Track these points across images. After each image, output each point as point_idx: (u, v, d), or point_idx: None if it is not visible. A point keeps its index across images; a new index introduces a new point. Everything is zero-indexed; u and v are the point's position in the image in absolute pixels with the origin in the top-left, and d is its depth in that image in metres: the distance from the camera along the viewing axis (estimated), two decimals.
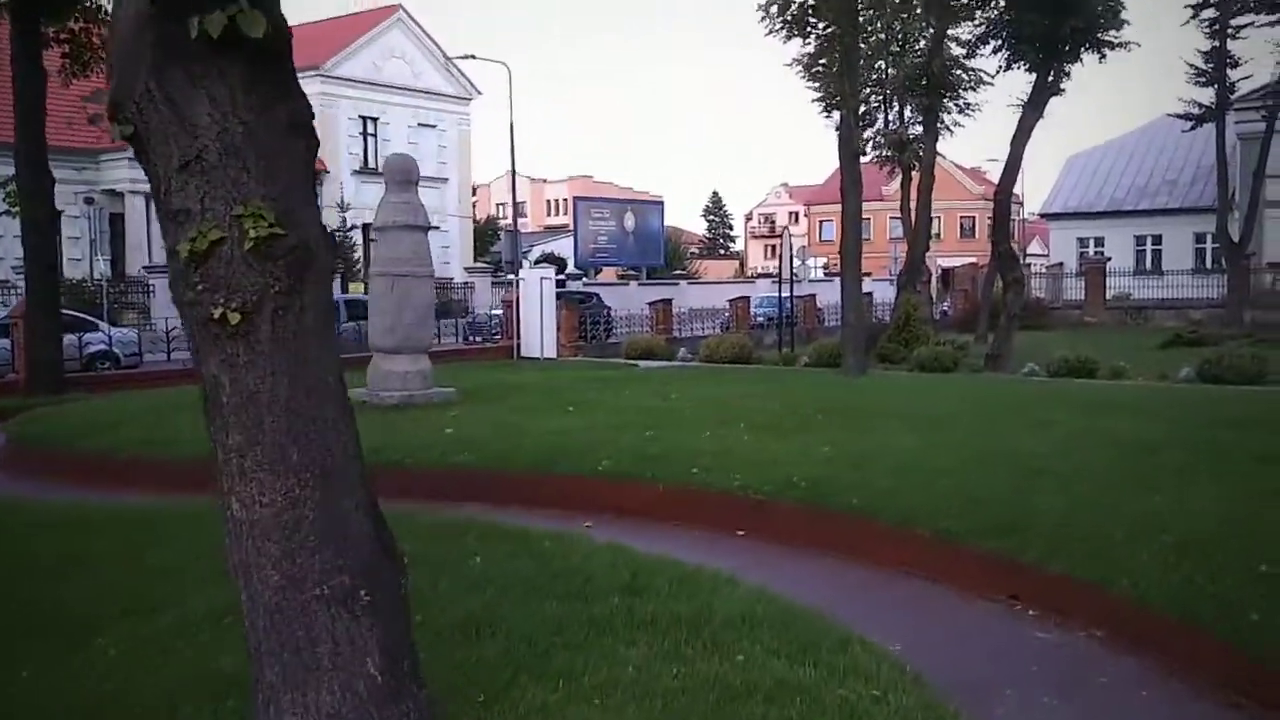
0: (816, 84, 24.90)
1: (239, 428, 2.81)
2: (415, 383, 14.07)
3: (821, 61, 23.06)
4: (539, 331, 26.21)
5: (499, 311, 34.93)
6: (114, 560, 6.75)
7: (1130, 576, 6.00)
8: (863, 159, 40.41)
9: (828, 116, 25.75)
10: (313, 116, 2.98)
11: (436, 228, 14.17)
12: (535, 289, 26.31)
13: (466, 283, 44.76)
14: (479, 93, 49.11)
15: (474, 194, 56.26)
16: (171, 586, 6.03)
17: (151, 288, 32.91)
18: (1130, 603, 5.83)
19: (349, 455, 2.98)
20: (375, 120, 45.48)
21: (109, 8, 19.54)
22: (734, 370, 22.14)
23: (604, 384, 17.17)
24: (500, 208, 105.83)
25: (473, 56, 42.02)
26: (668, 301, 33.38)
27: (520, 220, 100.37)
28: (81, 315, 24.66)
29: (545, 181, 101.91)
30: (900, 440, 10.25)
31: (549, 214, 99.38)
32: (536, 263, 49.97)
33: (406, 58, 46.40)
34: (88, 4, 18.33)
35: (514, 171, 40.06)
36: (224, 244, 2.62)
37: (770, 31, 26.30)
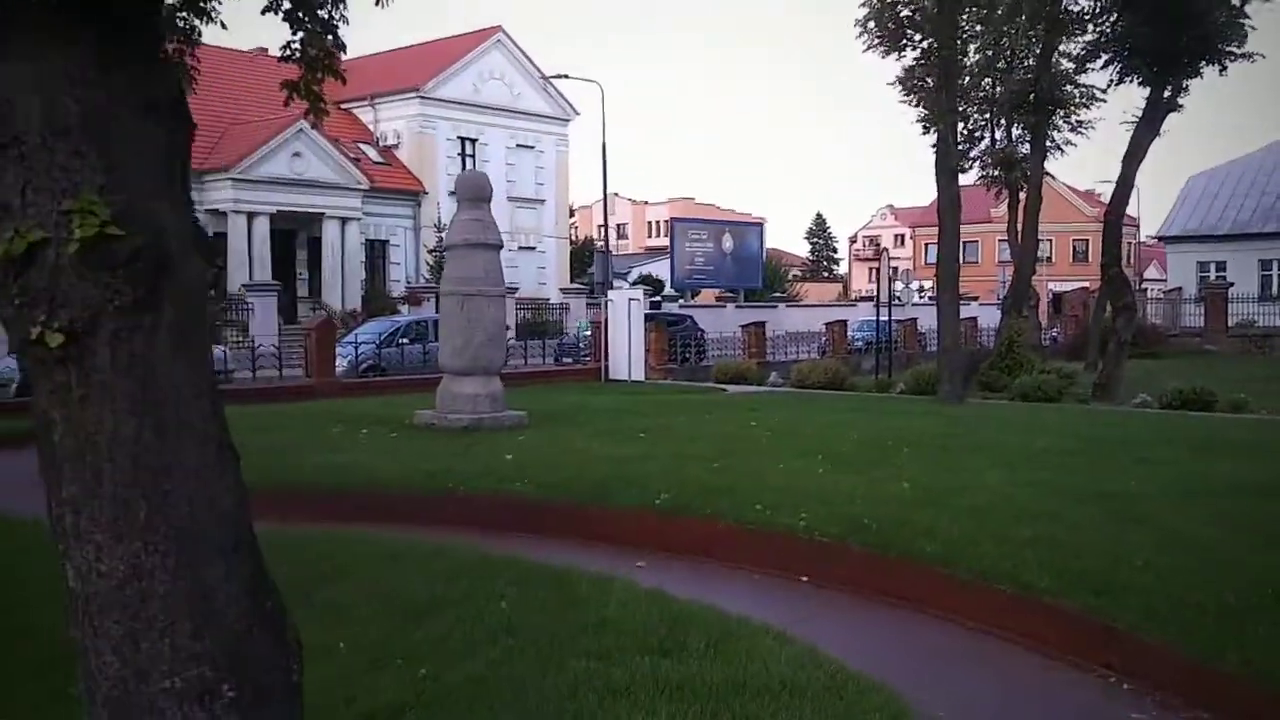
0: (916, 101, 24.02)
1: (74, 478, 2.23)
2: (484, 405, 13.65)
3: (920, 77, 22.13)
4: (626, 353, 25.72)
5: (589, 333, 34.60)
6: None
7: (1243, 651, 5.15)
8: (969, 180, 39.36)
9: (926, 132, 24.76)
10: (180, 97, 2.42)
11: (502, 246, 13.71)
12: (623, 310, 25.83)
13: (562, 303, 44.52)
14: (577, 113, 49.06)
15: (573, 215, 56.26)
16: None
17: (250, 306, 33.36)
18: (1243, 682, 4.99)
19: (218, 512, 2.38)
20: (474, 141, 45.70)
21: (201, 26, 19.65)
22: (824, 396, 21.31)
23: (684, 409, 16.56)
24: (600, 230, 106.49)
25: (566, 76, 41.91)
26: (760, 324, 32.62)
27: (620, 242, 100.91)
28: None
29: (646, 204, 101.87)
30: (988, 478, 9.42)
31: (650, 235, 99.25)
32: (634, 284, 49.75)
33: (506, 79, 46.57)
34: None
35: (605, 191, 39.65)
36: (47, 247, 2.09)
37: (869, 47, 25.55)
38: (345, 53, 5.95)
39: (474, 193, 13.85)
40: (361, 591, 6.22)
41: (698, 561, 8.09)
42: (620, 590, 6.42)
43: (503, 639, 5.39)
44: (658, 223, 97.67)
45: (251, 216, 36.94)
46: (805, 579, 7.55)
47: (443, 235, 41.73)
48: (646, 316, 30.85)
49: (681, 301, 46.63)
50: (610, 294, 27.66)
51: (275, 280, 35.57)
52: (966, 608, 6.61)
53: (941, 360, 18.66)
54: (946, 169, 18.26)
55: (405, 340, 26.35)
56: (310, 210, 38.71)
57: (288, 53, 5.47)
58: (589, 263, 52.99)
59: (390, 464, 10.30)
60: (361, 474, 9.91)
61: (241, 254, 36.94)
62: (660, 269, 60.21)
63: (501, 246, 14.20)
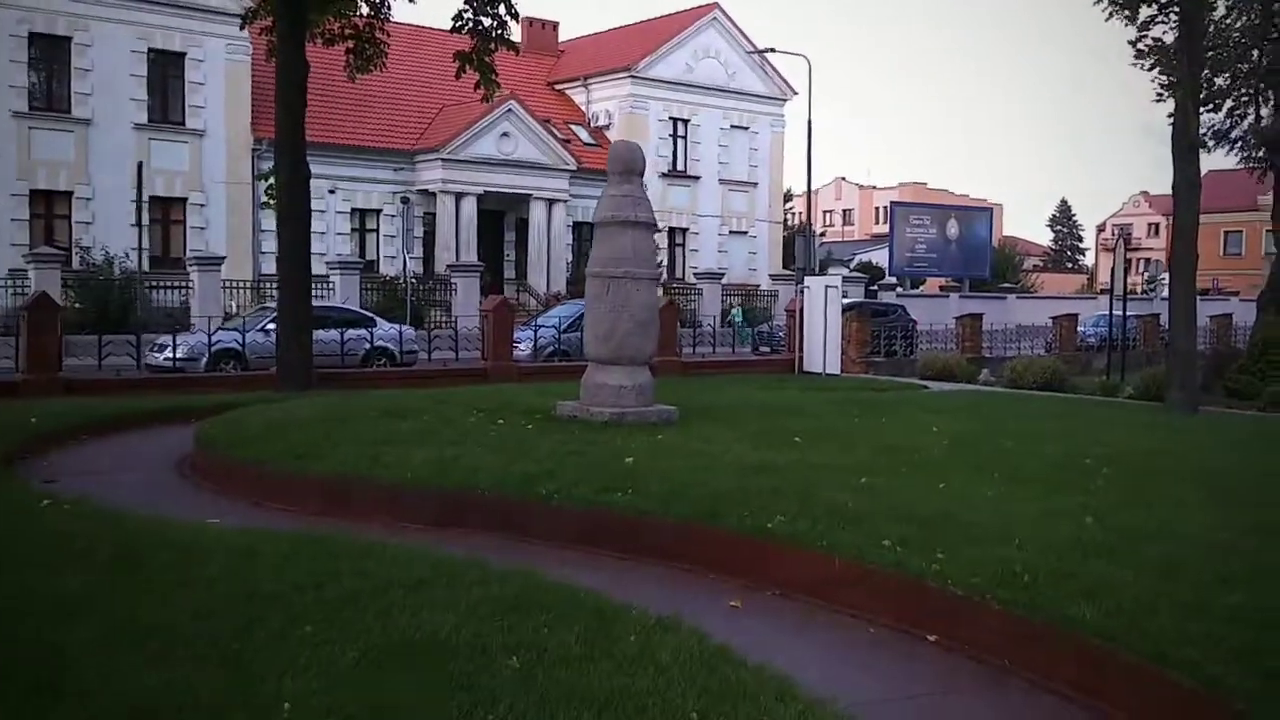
0: (1152, 65, 21.15)
1: None
2: (629, 398, 12.48)
3: (1158, 38, 19.44)
4: (822, 345, 24.08)
5: (742, 321, 33.10)
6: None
7: None
8: (1232, 163, 35.27)
9: (1160, 99, 21.86)
10: None
11: (655, 225, 12.50)
12: (819, 299, 24.18)
13: (771, 290, 42.98)
14: (795, 93, 47.27)
15: (790, 200, 54.43)
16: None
17: (454, 286, 33.51)
18: None
19: None
20: (686, 122, 44.68)
21: (392, 3, 19.51)
22: (1036, 399, 19.13)
23: (866, 409, 14.93)
24: (827, 215, 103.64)
25: (773, 50, 40.17)
26: (977, 317, 30.18)
27: (846, 229, 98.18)
28: (363, 312, 25.02)
29: (875, 188, 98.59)
30: (1194, 518, 7.52)
31: (876, 222, 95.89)
32: (853, 271, 47.61)
33: (721, 58, 45.30)
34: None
35: (810, 170, 37.83)
36: None
37: (1110, 14, 22.80)
38: (517, 22, 5.02)
39: (624, 165, 12.67)
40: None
41: (806, 607, 6.67)
42: (677, 643, 5.11)
43: (495, 706, 4.19)
44: (885, 208, 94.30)
45: (459, 197, 37.17)
46: (933, 639, 6.01)
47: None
48: (850, 306, 29.12)
49: (899, 290, 44.21)
50: (807, 280, 26.01)
51: (480, 261, 35.63)
52: (1129, 699, 4.95)
53: (1172, 362, 16.23)
54: (1184, 142, 15.78)
55: None
56: (518, 191, 38.65)
57: (460, 23, 4.73)
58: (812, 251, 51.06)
59: (496, 462, 9.26)
60: (459, 474, 8.91)
61: (449, 235, 37.24)
62: (883, 256, 57.62)
63: (655, 226, 12.98)
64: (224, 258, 30.65)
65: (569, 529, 8.02)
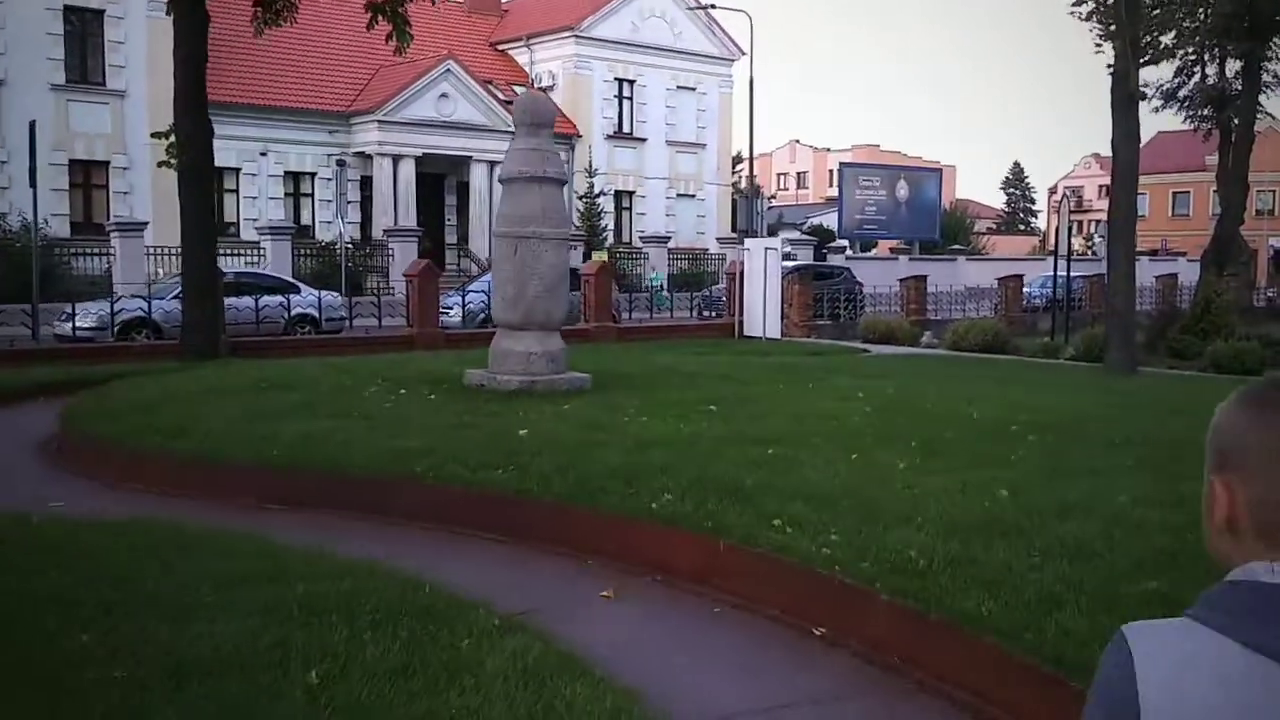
0: (1087, 16, 20.55)
1: None
2: (539, 366, 11.77)
3: None
4: (762, 308, 23.45)
5: (660, 285, 32.49)
6: None
7: None
8: (1179, 123, 34.92)
9: (1099, 49, 21.27)
10: None
11: (565, 181, 11.75)
12: (759, 261, 23.53)
13: (720, 254, 42.30)
14: (743, 53, 46.24)
15: (740, 163, 53.41)
16: None
17: (392, 252, 32.54)
18: None
19: None
20: (632, 83, 43.71)
21: None
22: (975, 361, 18.66)
23: (795, 375, 14.32)
24: (781, 178, 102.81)
25: (714, 5, 39.32)
26: (921, 279, 29.65)
27: (800, 191, 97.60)
28: (285, 278, 24.11)
29: (829, 151, 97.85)
30: (1120, 489, 6.94)
31: (830, 185, 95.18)
32: (805, 234, 46.97)
33: (667, 17, 44.29)
34: None
35: (751, 129, 37.13)
36: None
37: None
38: None
39: (532, 117, 11.87)
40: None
41: (687, 594, 6.02)
42: (511, 653, 4.43)
43: None
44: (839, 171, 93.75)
45: (397, 160, 36.07)
46: (820, 632, 5.38)
47: (593, 181, 40.35)
48: (794, 269, 28.50)
49: (848, 253, 43.71)
50: (747, 243, 25.35)
51: (419, 226, 34.65)
52: (1032, 705, 4.33)
53: (1111, 323, 15.74)
54: (1123, 93, 15.19)
55: None
56: (458, 154, 37.57)
57: None
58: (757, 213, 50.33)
59: (374, 437, 8.53)
60: (331, 450, 8.17)
61: (387, 199, 36.16)
62: (836, 220, 56.95)
63: (565, 182, 12.25)
64: (146, 223, 29.49)
65: (442, 510, 7.31)
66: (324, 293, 22.82)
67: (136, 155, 31.96)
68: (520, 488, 7.14)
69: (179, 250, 31.72)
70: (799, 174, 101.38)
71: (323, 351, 18.33)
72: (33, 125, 18.97)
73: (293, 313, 21.59)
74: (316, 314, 22.01)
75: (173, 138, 16.25)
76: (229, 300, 19.30)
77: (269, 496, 7.86)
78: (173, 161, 16.32)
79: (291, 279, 23.99)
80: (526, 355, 11.77)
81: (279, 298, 20.55)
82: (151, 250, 29.18)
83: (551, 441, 8.39)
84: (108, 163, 32.44)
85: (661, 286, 33.64)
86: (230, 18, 32.28)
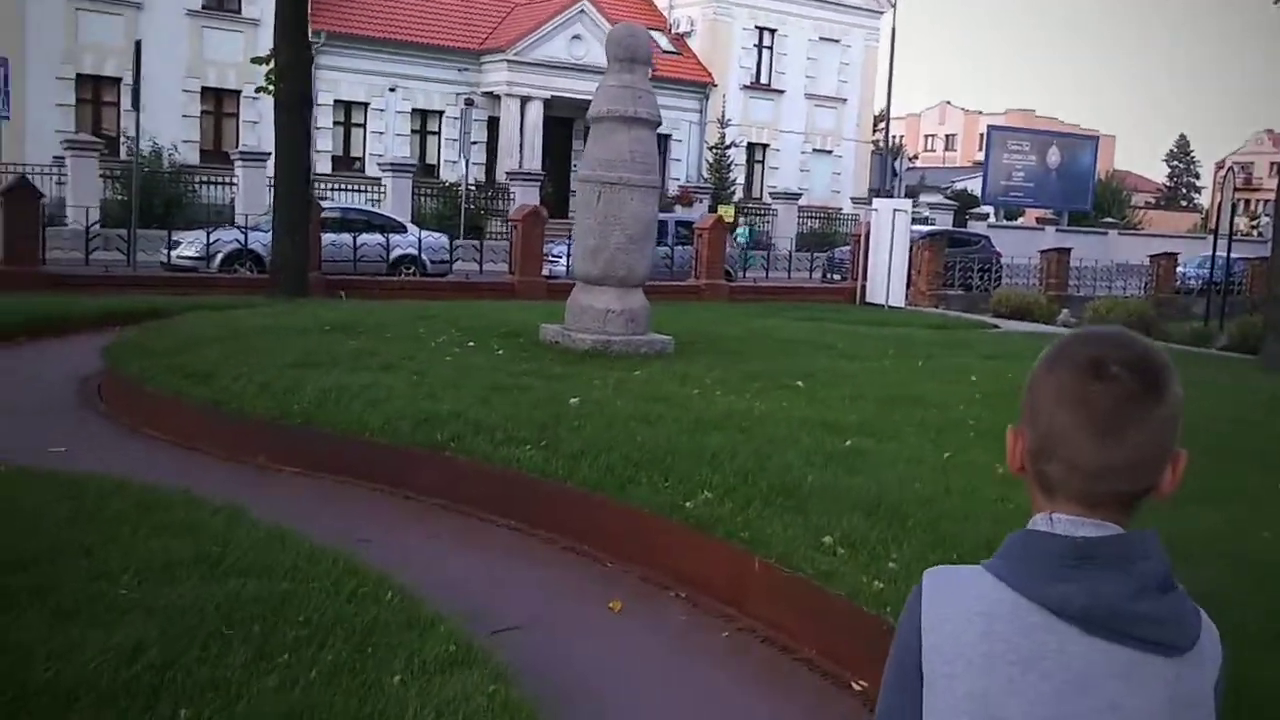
0: None
1: None
2: (616, 325, 10.81)
3: None
4: (886, 274, 22.03)
5: (746, 242, 30.93)
6: None
7: None
8: None
9: None
10: None
11: (658, 123, 10.68)
12: (887, 224, 22.08)
13: (853, 215, 40.61)
14: (892, 5, 44.10)
15: (880, 122, 51.14)
16: None
17: (513, 195, 31.93)
18: None
19: None
20: (773, 32, 42.02)
21: None
22: None
23: (906, 349, 13.07)
24: (929, 140, 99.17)
25: None
26: (1064, 251, 27.65)
27: (948, 154, 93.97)
28: (391, 217, 23.65)
29: (980, 114, 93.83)
30: (1264, 515, 5.65)
31: (979, 149, 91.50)
32: (948, 198, 44.78)
33: None
34: None
35: (890, 82, 35.14)
36: None
37: None
38: None
39: (626, 51, 10.81)
40: None
41: (711, 616, 5.04)
42: (447, 699, 3.53)
43: None
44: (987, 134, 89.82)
45: (525, 101, 35.34)
46: (861, 687, 4.32)
47: (724, 131, 38.99)
48: (928, 234, 26.86)
49: (990, 220, 41.47)
50: (875, 203, 23.86)
51: (543, 171, 33.93)
52: None
53: (1272, 311, 13.98)
54: None
55: None
56: (587, 98, 36.38)
57: None
58: (896, 174, 48.17)
59: (408, 396, 7.71)
60: (357, 409, 7.36)
61: (513, 141, 35.52)
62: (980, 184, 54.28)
63: (658, 124, 11.15)
64: (269, 154, 29.38)
65: (459, 488, 6.46)
66: (427, 234, 22.24)
67: None
68: (545, 469, 6.21)
69: None
70: (947, 136, 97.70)
71: (419, 295, 17.72)
72: (138, 45, 18.81)
73: (394, 253, 21.07)
74: (421, 255, 21.46)
75: (271, 64, 15.69)
76: (328, 236, 18.88)
77: (281, 457, 7.13)
78: (270, 89, 15.79)
79: (397, 218, 23.48)
80: (604, 313, 10.82)
81: (379, 236, 20.02)
82: (270, 181, 29.12)
83: (600, 413, 7.44)
84: (239, 91, 32.52)
85: (752, 244, 31.96)
86: None
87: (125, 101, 30.94)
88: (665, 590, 5.30)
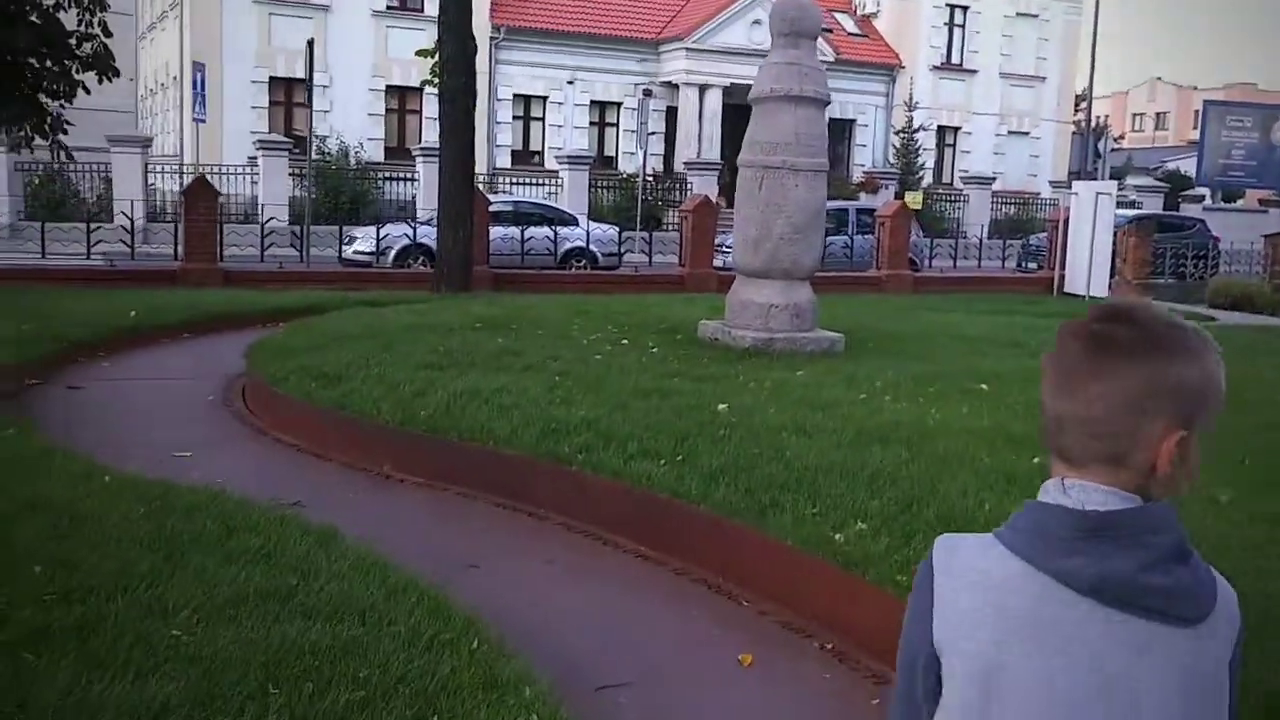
0: None
1: None
2: (781, 321, 9.98)
3: None
4: (1088, 262, 20.33)
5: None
6: None
7: None
8: None
9: None
10: None
11: (827, 101, 9.79)
12: (1088, 209, 20.37)
13: (1052, 200, 38.28)
14: None
15: (1081, 100, 48.12)
16: None
17: (690, 185, 31.29)
18: None
19: None
20: (965, 9, 39.97)
21: None
22: None
23: None
24: (1137, 119, 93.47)
25: None
26: None
27: (1159, 133, 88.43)
28: (561, 209, 23.34)
29: (1195, 90, 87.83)
30: None
31: (1194, 127, 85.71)
32: (1158, 179, 41.84)
33: None
34: None
35: (1093, 56, 32.76)
36: None
37: None
38: None
39: (789, 26, 9.96)
40: None
41: (855, 675, 4.20)
42: None
43: None
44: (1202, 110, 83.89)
45: (703, 89, 34.61)
46: None
47: (912, 115, 37.29)
48: (1135, 218, 24.83)
49: (1206, 203, 38.41)
50: (1075, 186, 22.10)
51: (721, 160, 33.16)
52: None
53: None
54: None
55: None
56: None
57: None
58: (1099, 155, 45.16)
59: (540, 401, 7.10)
60: (482, 415, 6.79)
61: (691, 130, 34.88)
62: (1194, 165, 50.51)
63: (826, 102, 10.23)
64: None
65: (586, 506, 5.80)
66: (596, 226, 21.81)
67: None
68: (677, 488, 5.48)
69: (485, 177, 32.21)
70: (1158, 115, 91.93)
71: (585, 288, 17.30)
72: (310, 44, 18.97)
73: (562, 246, 20.71)
74: (591, 247, 21.04)
75: (436, 56, 15.49)
76: (497, 230, 18.65)
77: (406, 466, 6.64)
78: (435, 82, 15.59)
79: (567, 210, 23.15)
80: (766, 308, 10.00)
81: (546, 229, 19.67)
82: None
83: (748, 423, 6.65)
84: (422, 89, 32.97)
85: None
86: None
87: (316, 102, 31.92)
88: (808, 639, 4.49)
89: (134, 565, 4.30)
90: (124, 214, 19.07)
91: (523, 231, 18.77)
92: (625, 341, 10.26)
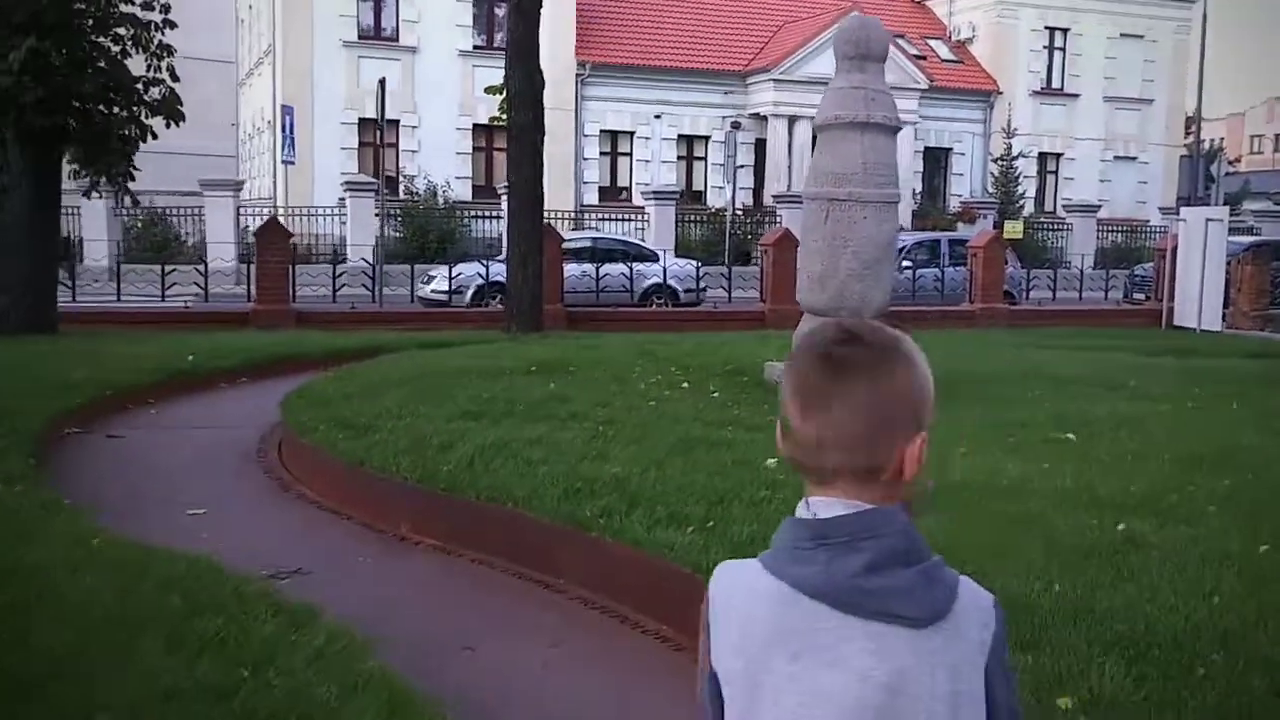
0: None
1: None
2: None
3: None
4: (1199, 293, 19.13)
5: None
6: None
7: None
8: None
9: None
10: None
11: (898, 128, 9.12)
12: (1199, 235, 19.20)
13: (1162, 227, 36.64)
14: None
15: (1192, 124, 46.12)
16: None
17: (780, 218, 30.66)
18: None
19: None
20: (1065, 32, 38.69)
21: None
22: None
23: (1218, 385, 10.84)
24: (1255, 140, 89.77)
25: None
26: None
27: (1278, 156, 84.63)
28: (642, 245, 22.92)
29: None
30: None
31: None
32: (1278, 204, 39.84)
33: None
34: None
35: (1201, 73, 31.23)
36: None
37: None
38: None
39: (855, 49, 9.30)
40: None
41: None
42: None
43: None
44: None
45: (793, 121, 33.98)
46: None
47: (1010, 141, 36.05)
48: (1254, 245, 23.42)
49: None
50: (1183, 212, 20.90)
51: None
52: None
53: None
54: None
55: (908, 264, 21.80)
56: None
57: None
58: (1213, 179, 42.96)
59: (574, 458, 6.55)
60: (505, 473, 6.26)
61: (781, 162, 34.27)
62: None
63: (897, 129, 9.57)
64: None
65: (605, 577, 5.22)
66: (674, 261, 21.30)
67: None
68: (701, 561, 4.87)
69: (572, 214, 32.04)
70: (1276, 136, 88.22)
71: (662, 326, 16.78)
72: (382, 82, 18.94)
73: (642, 282, 20.24)
74: (671, 283, 20.54)
75: (504, 93, 15.21)
76: (573, 267, 18.30)
77: (424, 527, 6.14)
78: (504, 117, 15.30)
79: (647, 246, 22.71)
80: None
81: (621, 266, 19.22)
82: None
83: (796, 480, 5.99)
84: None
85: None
86: None
87: (404, 142, 32.17)
88: None
89: (83, 647, 3.89)
90: (220, 258, 19.24)
91: (597, 269, 18.34)
92: (686, 385, 9.69)
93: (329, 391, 8.80)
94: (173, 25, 13.30)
